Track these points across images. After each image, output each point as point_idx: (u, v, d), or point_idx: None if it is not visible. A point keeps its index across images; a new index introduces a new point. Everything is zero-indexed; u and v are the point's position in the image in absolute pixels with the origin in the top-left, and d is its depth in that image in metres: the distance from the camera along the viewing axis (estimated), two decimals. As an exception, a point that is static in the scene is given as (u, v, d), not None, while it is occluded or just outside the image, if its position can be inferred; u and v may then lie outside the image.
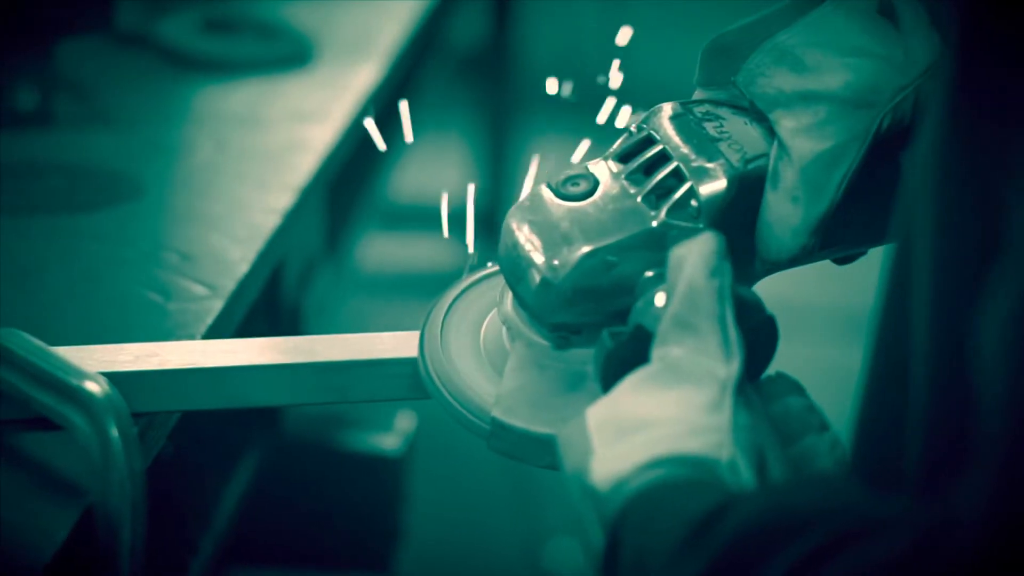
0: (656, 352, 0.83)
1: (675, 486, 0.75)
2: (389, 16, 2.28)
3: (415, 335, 1.05)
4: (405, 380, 1.06)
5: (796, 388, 0.87)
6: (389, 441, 1.89)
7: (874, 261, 0.89)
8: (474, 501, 2.49)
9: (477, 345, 1.02)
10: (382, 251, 2.85)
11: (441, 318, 1.04)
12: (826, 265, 1.06)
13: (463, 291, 1.05)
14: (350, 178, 2.06)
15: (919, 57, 0.94)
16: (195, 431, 1.52)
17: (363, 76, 1.98)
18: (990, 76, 0.65)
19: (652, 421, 0.79)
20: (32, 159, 1.66)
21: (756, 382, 0.87)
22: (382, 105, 2.07)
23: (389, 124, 2.33)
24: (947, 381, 0.68)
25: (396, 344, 1.07)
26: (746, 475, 0.77)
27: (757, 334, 0.87)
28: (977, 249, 0.66)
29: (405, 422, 1.91)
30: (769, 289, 0.96)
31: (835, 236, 0.97)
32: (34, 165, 1.64)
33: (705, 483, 0.76)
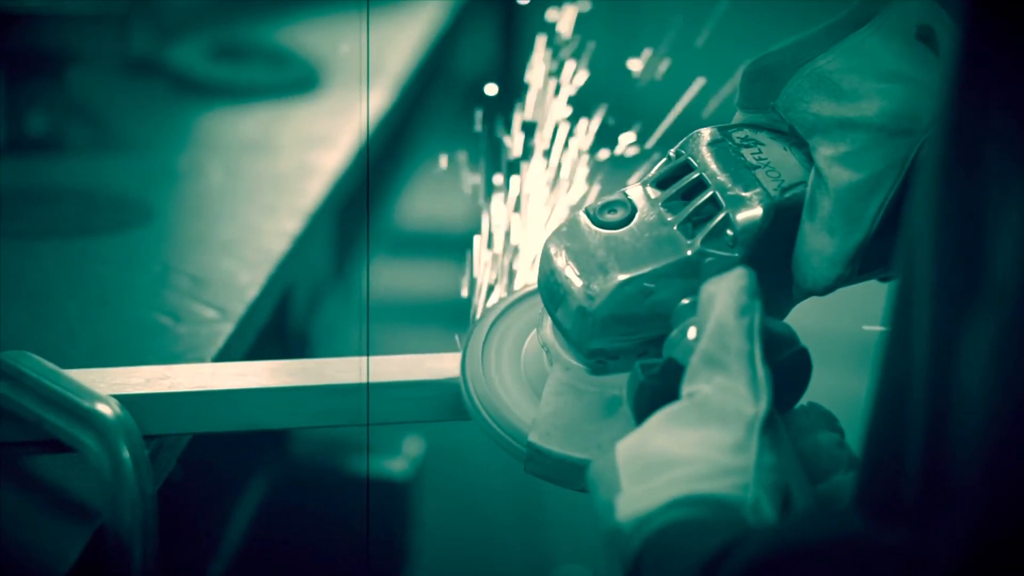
0: (686, 388, 0.84)
1: (694, 525, 0.76)
2: (397, 43, 2.30)
3: (425, 358, 1.06)
4: (415, 403, 1.07)
5: (828, 421, 0.87)
6: (397, 465, 1.89)
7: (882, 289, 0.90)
8: (482, 525, 2.49)
9: (518, 366, 1.03)
10: (390, 276, 2.86)
11: (483, 338, 1.04)
12: (863, 293, 1.06)
13: (504, 311, 1.06)
14: (359, 203, 2.07)
15: None
16: (205, 454, 1.53)
17: (372, 102, 1.99)
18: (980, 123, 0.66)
19: (677, 460, 0.79)
20: (44, 184, 1.67)
21: (788, 413, 0.88)
22: (390, 131, 2.08)
23: (397, 150, 2.34)
24: (938, 418, 0.69)
25: (406, 367, 1.08)
26: (769, 516, 0.78)
27: (790, 366, 0.87)
28: (964, 290, 0.66)
29: (413, 446, 1.92)
30: (802, 319, 0.96)
31: (872, 262, 0.97)
32: (46, 190, 1.66)
33: (725, 522, 0.76)
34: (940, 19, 0.94)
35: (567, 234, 0.97)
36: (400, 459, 1.90)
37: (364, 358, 1.10)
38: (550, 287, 0.97)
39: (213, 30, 2.23)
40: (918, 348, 0.70)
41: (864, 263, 0.96)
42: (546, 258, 0.97)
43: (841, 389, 0.95)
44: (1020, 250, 0.61)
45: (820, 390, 0.91)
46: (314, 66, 2.10)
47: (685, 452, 0.79)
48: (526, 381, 1.02)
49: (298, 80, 2.05)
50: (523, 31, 3.54)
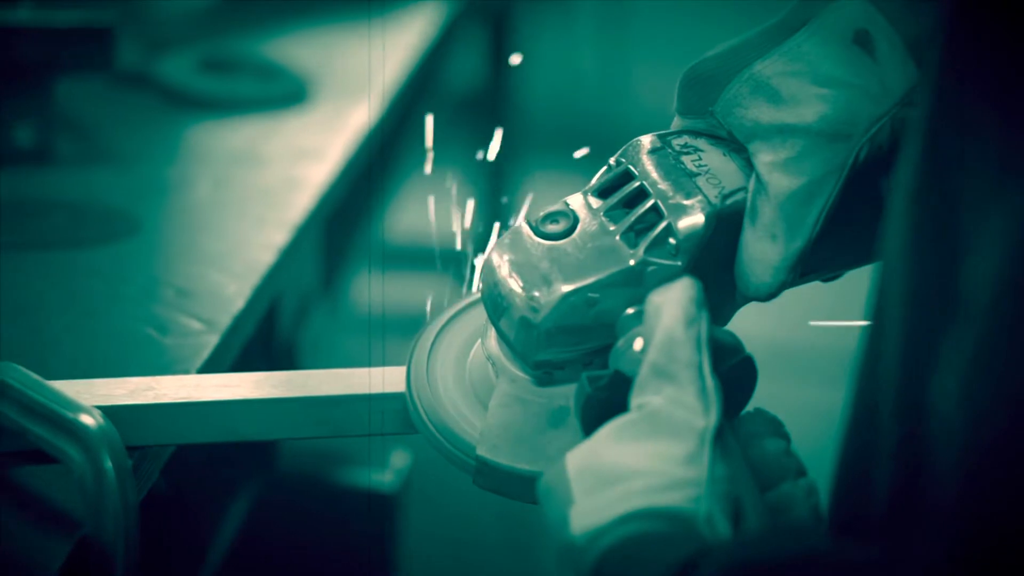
0: (635, 400, 0.83)
1: (650, 539, 0.76)
2: (386, 56, 2.30)
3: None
4: (400, 415, 1.07)
5: (775, 427, 0.87)
6: (384, 477, 1.89)
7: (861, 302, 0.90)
8: (468, 538, 2.49)
9: (463, 376, 1.03)
10: (376, 290, 2.86)
11: (427, 350, 1.04)
12: (818, 304, 1.07)
13: (447, 322, 1.06)
14: (346, 216, 2.08)
15: (895, 86, 0.94)
16: (189, 466, 1.53)
17: (360, 115, 2.00)
18: (955, 139, 0.67)
19: (629, 472, 0.79)
20: (32, 196, 1.68)
21: (735, 419, 0.88)
22: (379, 144, 2.09)
23: (385, 163, 2.34)
24: (908, 434, 0.69)
25: (390, 379, 1.08)
26: (722, 528, 0.78)
27: (737, 374, 0.87)
28: (939, 305, 0.67)
29: (399, 458, 1.92)
30: (759, 330, 0.96)
31: (812, 265, 0.97)
32: (34, 202, 1.66)
33: (681, 536, 0.76)
34: (876, 23, 0.94)
35: (509, 245, 0.97)
36: (387, 471, 1.90)
37: (347, 370, 1.10)
38: (494, 299, 0.96)
39: (202, 43, 2.24)
40: (891, 363, 0.70)
41: (805, 267, 0.97)
42: (489, 270, 0.97)
43: (802, 400, 0.96)
44: (994, 265, 0.62)
45: (778, 403, 0.91)
46: (302, 80, 2.10)
47: (637, 464, 0.79)
48: (472, 392, 1.02)
49: (286, 93, 2.05)
50: (511, 46, 3.55)
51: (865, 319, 0.76)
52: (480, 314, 1.04)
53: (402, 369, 1.07)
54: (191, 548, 1.54)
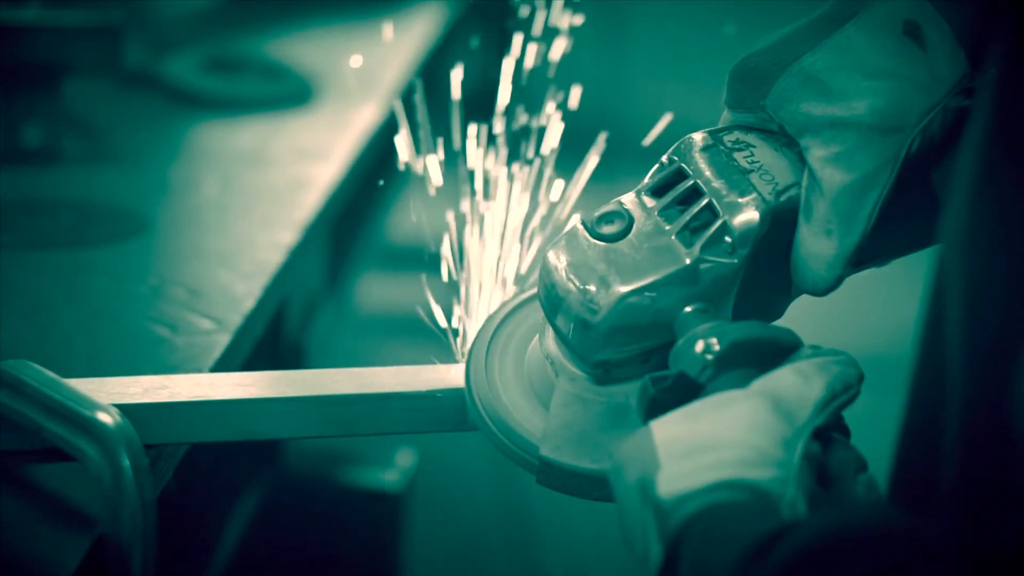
0: (756, 382, 0.85)
1: (735, 509, 0.77)
2: (391, 57, 2.31)
3: (421, 369, 1.07)
4: (412, 414, 1.08)
5: (835, 422, 0.88)
6: (390, 476, 1.90)
7: (913, 305, 0.91)
8: (473, 537, 2.50)
9: (522, 374, 1.03)
10: (382, 289, 2.87)
11: (486, 346, 1.04)
12: (865, 308, 1.07)
13: (505, 318, 1.06)
14: (353, 216, 2.08)
15: (945, 76, 0.93)
16: (199, 466, 1.53)
17: (365, 115, 2.00)
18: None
19: (723, 442, 0.80)
20: (41, 196, 1.68)
21: None
22: (382, 145, 2.09)
23: (390, 163, 2.35)
24: (982, 424, 0.69)
25: (403, 378, 1.09)
26: (803, 513, 0.79)
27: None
28: (1016, 307, 0.67)
29: (406, 458, 1.92)
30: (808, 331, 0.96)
31: (866, 256, 0.97)
32: (43, 202, 1.66)
33: (764, 512, 0.78)
34: (926, 14, 0.94)
35: (566, 247, 0.97)
36: (392, 471, 1.90)
37: (361, 369, 1.10)
38: (552, 300, 0.97)
39: (208, 44, 2.24)
40: (962, 362, 0.70)
41: (859, 258, 0.97)
42: (546, 271, 0.97)
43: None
44: None
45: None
46: (308, 79, 2.11)
47: (733, 436, 0.81)
48: (531, 390, 1.03)
49: (292, 93, 2.06)
50: (515, 45, 3.55)
51: (919, 320, 0.77)
52: (534, 309, 1.04)
53: (415, 368, 1.08)
54: (199, 547, 1.55)
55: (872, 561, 0.66)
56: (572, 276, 0.96)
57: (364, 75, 2.19)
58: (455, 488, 2.40)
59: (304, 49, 2.29)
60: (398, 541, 1.92)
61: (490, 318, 1.06)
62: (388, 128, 2.07)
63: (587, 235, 0.97)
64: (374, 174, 2.14)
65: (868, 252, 0.97)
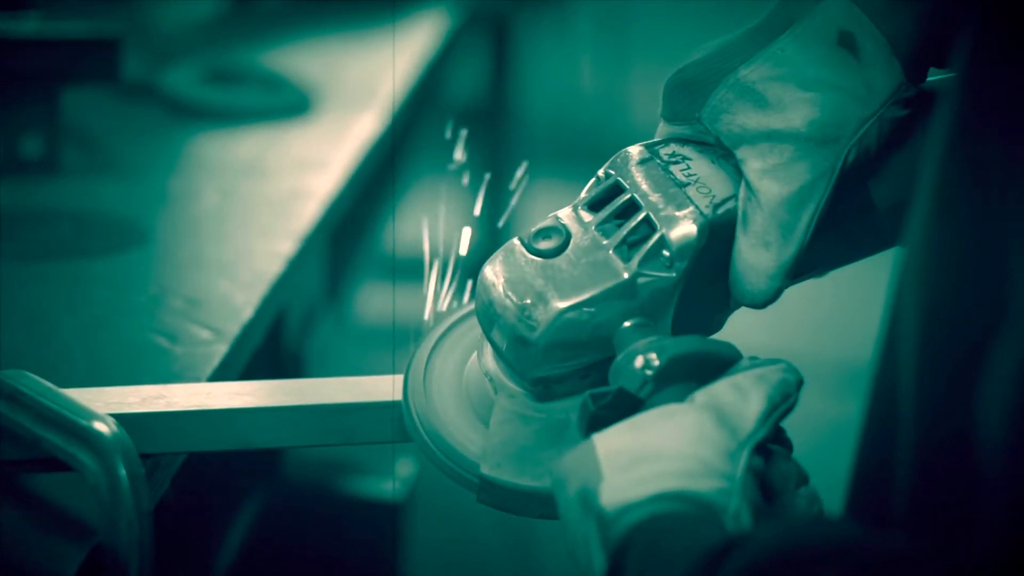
0: (699, 394, 0.85)
1: (680, 519, 0.77)
2: (390, 68, 2.31)
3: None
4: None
5: (777, 435, 0.88)
6: (390, 486, 1.90)
7: (875, 314, 0.91)
8: (474, 546, 2.50)
9: (460, 392, 1.03)
10: (382, 299, 2.87)
11: (423, 365, 1.04)
12: (826, 319, 1.07)
13: (443, 335, 1.05)
14: (352, 226, 2.08)
15: (880, 86, 0.93)
16: (198, 475, 1.54)
17: (364, 126, 2.01)
18: (993, 136, 0.67)
19: (667, 454, 0.80)
20: (40, 207, 1.68)
21: None
22: (382, 156, 2.09)
23: (388, 175, 2.35)
24: (936, 436, 0.69)
25: (401, 387, 1.09)
26: (747, 525, 0.79)
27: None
28: (975, 310, 0.67)
29: (406, 467, 1.93)
30: (763, 339, 0.97)
31: (804, 267, 0.97)
32: (42, 213, 1.67)
33: (708, 524, 0.77)
34: (860, 23, 0.94)
35: (503, 262, 0.96)
36: (392, 480, 1.90)
37: (359, 378, 1.11)
38: (489, 316, 0.96)
39: (207, 55, 2.24)
40: (915, 374, 0.70)
41: (798, 270, 0.97)
42: (483, 287, 0.96)
43: (812, 412, 0.96)
44: None
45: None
46: (307, 90, 2.11)
47: (677, 448, 0.80)
48: (470, 407, 1.02)
49: (291, 104, 2.06)
50: (513, 58, 3.56)
51: (881, 330, 0.76)
52: (473, 326, 1.04)
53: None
54: (198, 557, 1.55)
55: (828, 573, 0.66)
56: (510, 292, 0.95)
57: (363, 86, 2.20)
58: (455, 497, 2.40)
59: (303, 60, 2.29)
60: (398, 551, 1.92)
61: (428, 334, 1.06)
62: (387, 138, 2.08)
63: (524, 251, 0.96)
64: (373, 186, 2.14)
65: (807, 263, 0.97)
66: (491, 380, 1.00)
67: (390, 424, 1.09)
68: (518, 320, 0.94)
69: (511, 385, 0.99)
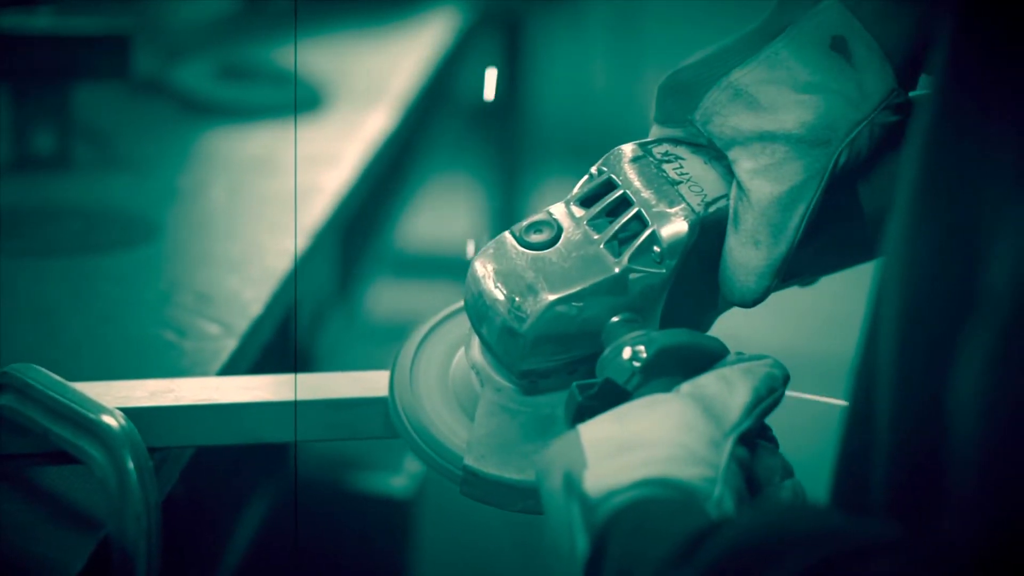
0: (686, 385, 0.86)
1: (664, 504, 0.78)
2: (401, 64, 2.31)
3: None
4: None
5: (762, 430, 0.89)
6: (398, 482, 1.90)
7: (860, 308, 0.91)
8: (483, 543, 2.50)
9: (446, 386, 1.03)
10: (392, 297, 2.87)
11: (410, 359, 1.04)
12: (813, 314, 1.07)
13: (430, 331, 1.06)
14: (362, 222, 2.09)
15: (873, 91, 0.94)
16: (206, 470, 1.54)
17: (375, 122, 2.01)
18: (971, 121, 0.67)
19: (651, 442, 0.81)
20: (50, 202, 1.69)
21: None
22: (394, 152, 2.10)
23: (401, 171, 2.35)
24: (914, 425, 0.70)
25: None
26: (730, 513, 0.79)
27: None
28: (949, 301, 0.67)
29: (414, 463, 1.93)
30: (758, 339, 0.97)
31: (793, 269, 0.98)
32: (53, 208, 1.67)
33: (690, 511, 0.78)
34: (853, 29, 0.95)
35: (493, 255, 0.96)
36: (401, 476, 1.90)
37: (367, 373, 1.11)
38: (478, 308, 0.96)
39: (218, 51, 2.25)
40: (894, 363, 0.71)
41: (787, 272, 0.97)
42: (473, 280, 0.96)
43: (800, 404, 0.96)
44: (1014, 262, 0.63)
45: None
46: (317, 86, 2.12)
47: (662, 436, 0.81)
48: (455, 401, 1.02)
49: (301, 100, 2.07)
50: (525, 54, 3.56)
51: (864, 323, 0.77)
52: (461, 323, 1.04)
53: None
54: (206, 551, 1.55)
55: (804, 558, 0.66)
56: (499, 284, 0.95)
57: (374, 82, 2.20)
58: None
59: (314, 56, 2.29)
60: (407, 546, 1.93)
61: (416, 330, 1.06)
62: (398, 135, 2.08)
63: (515, 244, 0.96)
64: (384, 182, 2.15)
65: (795, 266, 0.97)
66: (478, 373, 1.00)
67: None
68: (507, 311, 0.95)
69: (498, 379, 0.99)
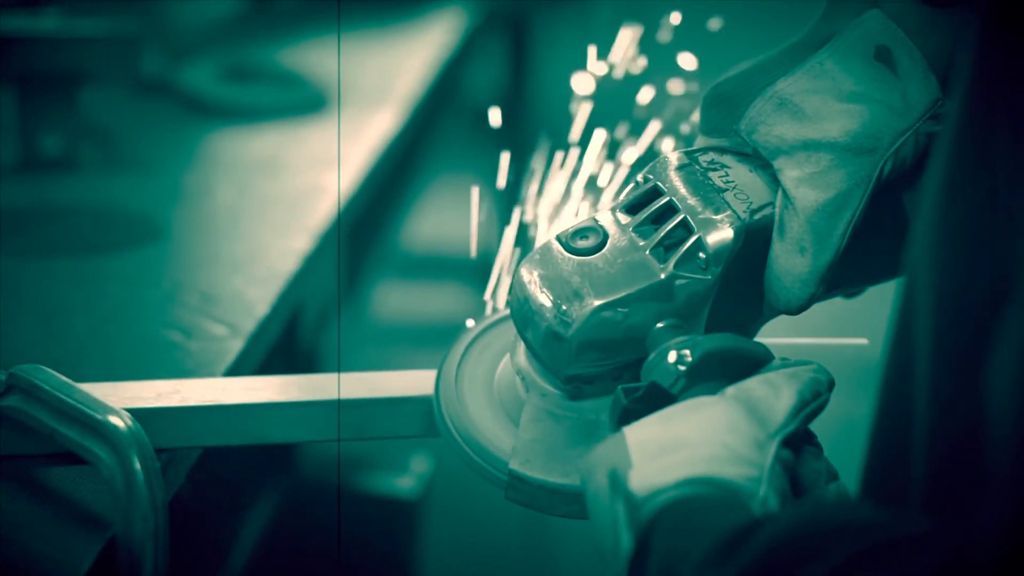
0: (731, 388, 0.86)
1: (706, 505, 0.79)
2: (407, 67, 2.32)
3: (432, 373, 1.07)
4: (422, 418, 1.08)
5: (806, 434, 0.89)
6: (405, 483, 1.90)
7: (886, 309, 0.92)
8: (489, 543, 2.50)
9: (491, 392, 1.04)
10: (397, 297, 2.88)
11: (456, 365, 1.05)
12: (839, 313, 1.07)
13: (476, 337, 1.06)
14: (368, 223, 2.09)
15: (917, 100, 0.95)
16: (214, 471, 1.54)
17: (381, 123, 2.01)
18: (1001, 126, 0.68)
19: (695, 442, 0.81)
20: (58, 203, 1.69)
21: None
22: (399, 153, 2.10)
23: (406, 172, 2.36)
24: (951, 421, 0.70)
25: (413, 382, 1.09)
26: (774, 511, 0.80)
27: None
28: (984, 299, 0.68)
29: (421, 464, 1.93)
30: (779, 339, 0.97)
31: (838, 279, 0.98)
32: (60, 208, 1.68)
33: (734, 509, 0.79)
34: (897, 39, 0.96)
35: (540, 261, 0.97)
36: (408, 476, 1.91)
37: (372, 373, 1.11)
38: (524, 313, 0.96)
39: (224, 52, 2.25)
40: (929, 356, 0.71)
41: (831, 281, 0.97)
42: (519, 286, 0.97)
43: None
44: None
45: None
46: (322, 88, 2.12)
47: (706, 436, 0.82)
48: (500, 407, 1.03)
49: (307, 101, 2.07)
50: (531, 57, 3.56)
51: (892, 317, 0.77)
52: (506, 331, 1.05)
53: (427, 372, 1.08)
54: (212, 551, 1.55)
55: (845, 551, 0.67)
56: (545, 289, 0.95)
57: (379, 83, 2.20)
58: (471, 494, 2.40)
59: (319, 57, 2.30)
60: (414, 547, 1.93)
61: (462, 336, 1.06)
62: (404, 136, 2.08)
63: (562, 250, 0.97)
64: (389, 184, 2.15)
65: (840, 275, 0.98)
66: (523, 379, 1.01)
67: (405, 420, 1.09)
68: (553, 316, 0.95)
69: (543, 384, 1.00)
